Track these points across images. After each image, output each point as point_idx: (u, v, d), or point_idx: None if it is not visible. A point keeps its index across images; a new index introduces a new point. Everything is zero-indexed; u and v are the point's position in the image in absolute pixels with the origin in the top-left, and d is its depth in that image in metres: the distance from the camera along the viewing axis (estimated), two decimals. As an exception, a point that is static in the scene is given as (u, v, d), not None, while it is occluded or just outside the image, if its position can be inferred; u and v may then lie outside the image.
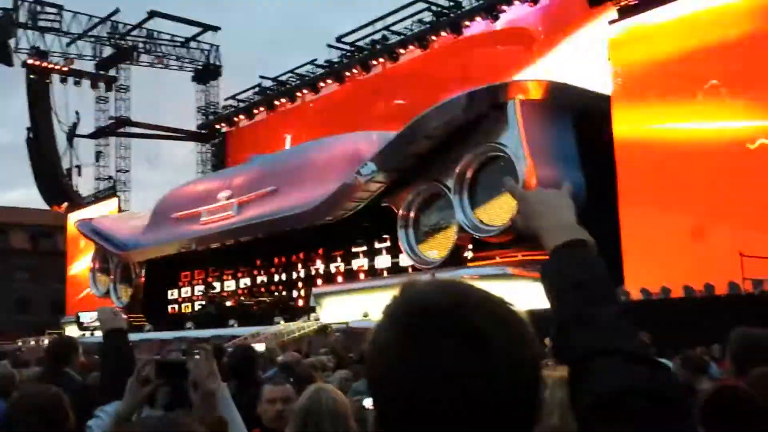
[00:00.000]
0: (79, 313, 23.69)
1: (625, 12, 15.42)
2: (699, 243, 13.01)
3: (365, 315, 15.74)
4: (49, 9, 31.66)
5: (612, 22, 15.59)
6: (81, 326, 22.77)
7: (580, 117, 15.40)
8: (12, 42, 31.14)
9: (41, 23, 31.62)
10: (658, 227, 13.75)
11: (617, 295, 1.04)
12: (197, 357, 1.88)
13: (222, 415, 1.88)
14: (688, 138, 13.97)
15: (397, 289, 0.94)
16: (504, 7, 22.48)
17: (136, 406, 1.87)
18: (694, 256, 12.92)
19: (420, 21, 24.99)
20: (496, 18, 22.66)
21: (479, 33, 23.30)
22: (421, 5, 24.80)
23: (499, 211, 14.99)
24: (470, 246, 16.08)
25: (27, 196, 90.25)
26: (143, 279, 25.55)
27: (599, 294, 1.00)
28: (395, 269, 18.14)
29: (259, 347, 9.66)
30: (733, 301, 10.94)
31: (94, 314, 22.30)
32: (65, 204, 32.88)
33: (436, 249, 16.72)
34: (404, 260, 17.63)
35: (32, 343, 24.08)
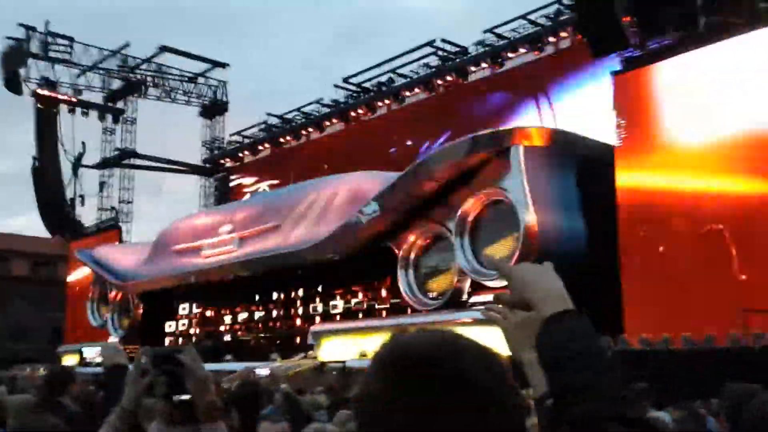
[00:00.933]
0: (82, 348, 23.53)
1: (629, 63, 15.62)
2: (701, 293, 13.03)
3: (362, 354, 15.69)
4: (60, 40, 32.07)
5: (616, 73, 15.80)
6: (83, 361, 22.65)
7: (582, 165, 15.54)
8: (22, 71, 31.56)
9: (52, 54, 32.01)
10: (659, 276, 13.79)
11: (616, 364, 1.09)
12: (187, 348, 2.00)
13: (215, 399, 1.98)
14: (690, 190, 14.09)
15: (388, 336, 0.99)
16: (509, 54, 22.84)
17: (138, 397, 1.95)
18: (695, 306, 12.93)
19: (426, 65, 25.34)
20: (501, 64, 22.98)
21: (484, 78, 23.60)
22: (428, 50, 25.18)
23: (499, 255, 15.03)
24: (469, 289, 16.08)
25: (28, 223, 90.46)
26: (141, 310, 25.49)
27: (600, 363, 1.05)
28: (394, 309, 18.12)
29: (263, 372, 9.64)
30: (734, 354, 10.92)
31: (97, 349, 22.20)
32: (67, 233, 32.96)
33: (436, 291, 16.73)
34: (404, 301, 17.61)
35: (27, 371, 23.94)
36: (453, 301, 16.02)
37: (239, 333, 23.14)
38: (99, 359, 21.15)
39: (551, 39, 21.86)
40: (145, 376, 1.92)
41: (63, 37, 32.06)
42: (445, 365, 0.91)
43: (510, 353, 1.18)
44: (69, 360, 24.76)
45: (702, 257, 13.40)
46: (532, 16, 22.51)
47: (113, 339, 25.71)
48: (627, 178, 14.85)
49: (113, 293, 26.50)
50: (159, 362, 1.93)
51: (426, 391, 0.90)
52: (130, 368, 2.13)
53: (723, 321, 11.82)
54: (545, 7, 22.25)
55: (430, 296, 16.81)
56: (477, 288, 15.87)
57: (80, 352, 23.41)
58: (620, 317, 13.58)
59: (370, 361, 0.97)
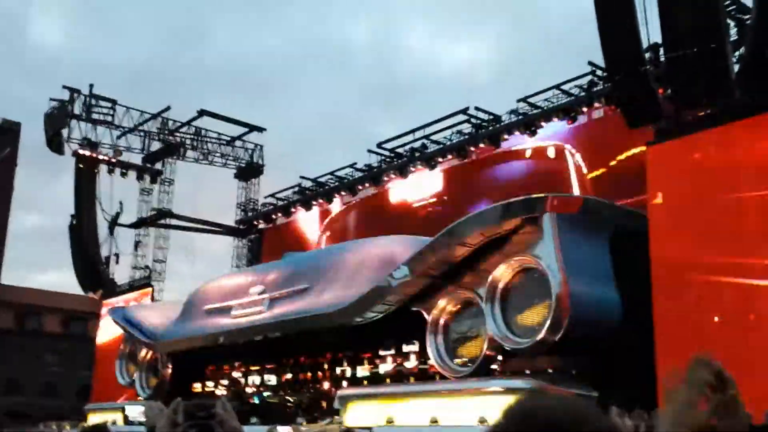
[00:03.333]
0: (125, 406, 23.47)
1: (662, 134, 15.61)
2: (739, 368, 12.69)
3: (389, 420, 15.44)
4: (103, 103, 33.05)
5: (649, 143, 15.79)
6: (126, 420, 22.62)
7: (616, 234, 15.41)
8: (64, 132, 32.49)
9: (94, 116, 32.96)
10: (695, 349, 13.49)
11: None
12: (219, 401, 2.01)
13: None
14: (727, 262, 13.87)
15: (505, 406, 0.92)
16: (542, 123, 23.02)
17: None
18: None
19: (459, 132, 25.61)
20: (533, 133, 23.14)
21: (517, 146, 23.75)
22: (461, 117, 25.48)
23: (530, 323, 14.85)
24: (499, 357, 15.85)
25: (60, 279, 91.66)
26: (169, 370, 25.45)
27: None
28: (422, 375, 17.88)
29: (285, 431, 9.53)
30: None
31: (140, 408, 22.14)
32: (100, 291, 33.33)
33: (465, 357, 16.50)
34: (432, 367, 17.39)
35: (54, 428, 23.94)
36: (481, 369, 15.78)
37: (266, 395, 22.94)
38: (142, 418, 21.08)
39: (584, 109, 22.03)
40: (176, 428, 1.93)
41: (106, 99, 33.03)
42: None
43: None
44: (94, 418, 24.70)
45: (738, 332, 13.10)
46: (565, 87, 22.75)
47: (141, 398, 25.67)
48: (662, 248, 14.68)
49: (143, 352, 26.50)
50: (192, 414, 1.95)
51: None
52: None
53: (761, 398, 11.50)
54: (578, 78, 22.50)
55: (459, 363, 16.58)
56: (505, 355, 15.64)
57: (123, 411, 23.33)
58: (655, 391, 13.24)
59: (489, 429, 0.92)
